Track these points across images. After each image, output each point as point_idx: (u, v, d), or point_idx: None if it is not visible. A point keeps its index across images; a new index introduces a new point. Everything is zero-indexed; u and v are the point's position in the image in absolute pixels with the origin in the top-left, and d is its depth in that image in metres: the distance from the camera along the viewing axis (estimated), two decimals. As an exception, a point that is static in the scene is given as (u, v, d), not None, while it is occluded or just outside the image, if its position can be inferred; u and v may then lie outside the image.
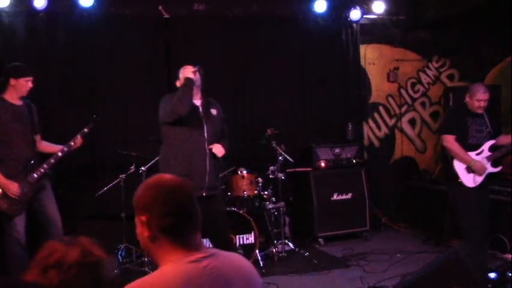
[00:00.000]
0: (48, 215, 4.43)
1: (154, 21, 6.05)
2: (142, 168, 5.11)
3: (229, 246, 4.33)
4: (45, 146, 4.61)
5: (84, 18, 5.74)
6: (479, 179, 4.56)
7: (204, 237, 4.66)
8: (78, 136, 4.49)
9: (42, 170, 4.38)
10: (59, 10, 5.69)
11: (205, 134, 4.05)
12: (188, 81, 4.00)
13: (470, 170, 4.56)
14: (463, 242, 4.45)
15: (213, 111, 4.16)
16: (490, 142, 4.61)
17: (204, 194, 3.98)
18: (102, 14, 5.79)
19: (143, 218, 1.68)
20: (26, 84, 4.36)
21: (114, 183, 5.19)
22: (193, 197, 1.74)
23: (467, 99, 4.62)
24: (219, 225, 4.18)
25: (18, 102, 4.41)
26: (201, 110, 4.10)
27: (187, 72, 4.03)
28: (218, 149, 4.12)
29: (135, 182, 5.28)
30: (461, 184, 4.56)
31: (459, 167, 4.59)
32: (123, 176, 5.15)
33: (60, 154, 4.43)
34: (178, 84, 4.17)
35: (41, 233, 4.45)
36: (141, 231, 1.71)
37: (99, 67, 5.94)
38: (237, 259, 1.81)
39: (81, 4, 5.61)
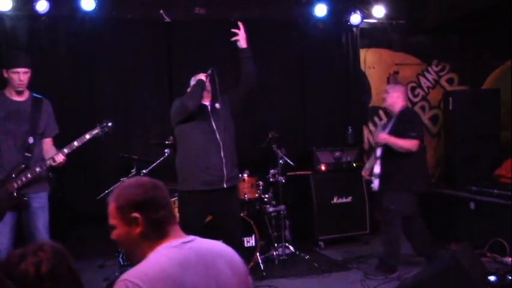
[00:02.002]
0: (36, 237, 3.81)
1: (156, 25, 6.08)
2: (144, 171, 5.13)
3: (240, 248, 4.41)
4: (49, 153, 3.93)
5: (85, 22, 5.77)
6: (374, 184, 4.92)
7: (216, 238, 4.73)
8: (75, 142, 3.85)
9: (24, 179, 3.73)
10: (60, 14, 5.72)
11: (214, 127, 4.15)
12: (200, 81, 4.14)
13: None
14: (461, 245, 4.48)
15: (217, 105, 4.25)
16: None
17: (225, 186, 4.11)
18: (103, 18, 5.83)
19: (135, 215, 1.77)
20: (14, 76, 3.76)
21: (115, 186, 5.20)
22: (168, 193, 1.89)
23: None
24: (233, 224, 4.29)
25: (20, 98, 3.86)
26: (209, 107, 4.23)
27: (201, 75, 4.18)
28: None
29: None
30: None
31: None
32: (124, 179, 5.16)
33: (48, 162, 3.80)
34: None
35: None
36: (128, 231, 1.79)
37: (100, 71, 5.97)
38: (216, 242, 1.94)
39: (83, 8, 5.64)
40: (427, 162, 5.16)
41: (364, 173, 5.32)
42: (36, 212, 3.86)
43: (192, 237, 1.85)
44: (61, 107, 5.70)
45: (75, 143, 3.85)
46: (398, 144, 4.72)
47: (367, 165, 5.33)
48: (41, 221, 3.88)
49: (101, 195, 5.26)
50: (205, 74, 4.18)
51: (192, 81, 4.31)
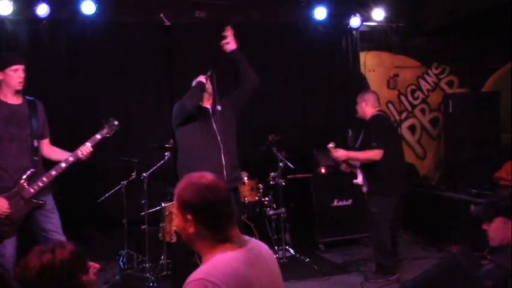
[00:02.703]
0: (51, 239, 3.70)
1: (156, 29, 6.09)
2: (144, 174, 5.14)
3: None
4: (53, 153, 3.91)
5: (86, 25, 5.79)
6: (364, 189, 4.99)
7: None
8: (88, 144, 3.80)
9: (41, 184, 3.67)
10: (61, 18, 5.75)
11: (215, 129, 4.16)
12: (199, 83, 4.17)
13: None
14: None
15: (218, 107, 4.27)
16: None
17: None
18: (104, 22, 5.84)
19: (189, 217, 1.81)
20: (14, 74, 3.66)
21: (115, 189, 5.22)
22: (230, 194, 1.92)
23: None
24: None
25: (15, 101, 3.74)
26: (210, 110, 4.25)
27: (201, 77, 4.21)
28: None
29: (137, 189, 5.37)
30: None
31: None
32: (125, 182, 5.18)
33: (63, 165, 3.73)
34: None
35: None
36: (185, 227, 1.84)
37: (101, 74, 5.98)
38: (260, 243, 2.04)
39: (83, 12, 5.65)
40: (403, 163, 5.13)
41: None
42: (49, 214, 3.80)
43: (248, 237, 1.94)
44: (61, 110, 5.74)
45: (88, 144, 3.81)
46: (360, 158, 4.83)
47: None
48: (56, 222, 3.83)
49: (102, 199, 5.28)
50: (205, 76, 4.20)
51: (194, 84, 4.34)
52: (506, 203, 2.35)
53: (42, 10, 5.49)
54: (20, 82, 3.70)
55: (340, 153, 4.81)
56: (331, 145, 4.80)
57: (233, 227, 1.87)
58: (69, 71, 5.86)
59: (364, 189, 4.98)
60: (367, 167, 4.84)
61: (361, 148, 4.89)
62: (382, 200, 4.78)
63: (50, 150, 3.92)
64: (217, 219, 1.82)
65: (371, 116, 4.92)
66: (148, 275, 4.87)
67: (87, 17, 5.71)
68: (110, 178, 5.54)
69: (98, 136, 3.86)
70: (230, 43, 4.27)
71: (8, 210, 3.56)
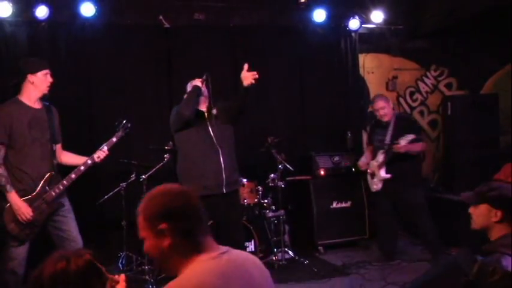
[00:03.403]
0: (67, 239, 3.88)
1: (155, 31, 6.09)
2: (143, 176, 5.14)
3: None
4: (67, 158, 4.07)
5: (85, 27, 5.78)
6: (377, 186, 5.41)
7: (220, 244, 4.75)
8: (105, 147, 3.98)
9: (61, 187, 3.82)
10: (60, 20, 5.73)
11: (212, 133, 4.20)
12: (195, 88, 4.20)
13: (372, 175, 5.48)
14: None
15: (214, 111, 4.32)
16: (382, 151, 5.34)
17: (224, 191, 4.11)
18: (103, 24, 5.83)
19: (163, 226, 1.69)
20: (45, 78, 3.83)
21: (114, 191, 5.21)
22: (200, 202, 1.80)
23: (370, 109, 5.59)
24: (235, 230, 4.33)
25: (37, 105, 3.88)
26: (206, 113, 4.30)
27: (196, 81, 4.24)
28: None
29: (136, 191, 5.37)
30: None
31: (368, 173, 5.55)
32: (124, 184, 5.18)
33: (82, 168, 3.88)
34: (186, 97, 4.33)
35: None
36: (158, 243, 1.71)
37: (100, 76, 5.97)
38: (245, 253, 1.94)
39: (82, 14, 5.65)
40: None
41: (362, 164, 5.64)
42: (66, 215, 3.94)
43: (225, 248, 1.81)
44: (60, 112, 5.70)
45: (106, 147, 4.00)
46: (417, 150, 5.27)
47: (363, 159, 5.68)
48: (72, 222, 3.96)
49: (101, 201, 5.27)
50: (200, 80, 4.21)
51: (189, 87, 4.34)
52: (494, 193, 2.63)
53: (42, 12, 5.48)
54: (48, 86, 3.86)
55: (403, 146, 5.12)
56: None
57: (207, 235, 1.77)
58: (68, 72, 5.84)
59: (379, 187, 5.37)
60: (407, 160, 5.22)
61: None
62: (420, 190, 5.36)
63: (62, 154, 4.07)
64: (191, 223, 1.72)
65: (398, 115, 5.57)
66: (147, 277, 4.87)
67: (87, 19, 5.70)
68: (109, 180, 5.53)
69: (114, 139, 4.04)
70: (244, 80, 4.26)
71: (31, 215, 3.67)
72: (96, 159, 3.93)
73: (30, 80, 3.80)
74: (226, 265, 1.71)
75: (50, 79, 3.86)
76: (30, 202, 3.72)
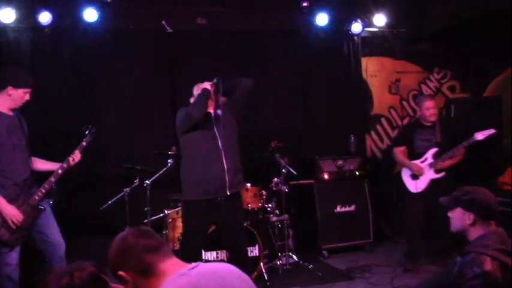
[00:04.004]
0: (51, 243, 3.95)
1: (158, 36, 6.10)
2: (147, 181, 5.14)
3: (246, 258, 4.44)
4: (39, 164, 4.07)
5: (88, 33, 5.80)
6: (422, 186, 5.21)
7: (221, 248, 4.77)
8: (77, 151, 4.09)
9: (43, 191, 3.88)
10: (63, 25, 5.75)
11: (217, 134, 4.20)
12: (205, 90, 4.20)
13: (413, 177, 5.28)
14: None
15: (219, 112, 4.31)
16: (433, 150, 5.21)
17: (228, 193, 4.15)
18: (106, 29, 5.85)
19: (122, 273, 1.82)
20: (23, 96, 3.86)
21: (118, 196, 5.21)
22: (150, 230, 1.93)
23: (418, 112, 5.40)
24: (237, 234, 4.33)
25: (10, 113, 3.89)
26: (213, 114, 4.29)
27: (205, 84, 4.24)
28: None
29: (140, 196, 5.36)
30: (407, 190, 5.33)
31: (405, 174, 5.37)
32: (128, 189, 5.18)
33: (60, 172, 3.97)
34: (192, 101, 4.33)
35: (40, 261, 4.03)
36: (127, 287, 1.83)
37: (103, 81, 5.98)
38: (221, 264, 1.98)
39: (85, 19, 5.66)
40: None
41: (419, 168, 5.27)
42: (47, 219, 3.98)
43: (194, 263, 1.86)
44: (63, 117, 5.75)
45: (78, 151, 4.12)
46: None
47: (412, 162, 5.34)
48: (54, 225, 4.02)
49: (104, 206, 5.26)
50: (210, 83, 4.21)
51: (195, 90, 4.35)
52: (467, 197, 2.78)
53: (45, 18, 5.50)
54: (23, 103, 3.90)
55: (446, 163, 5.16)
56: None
57: (168, 258, 1.86)
58: (71, 77, 5.86)
59: (421, 187, 5.20)
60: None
61: (452, 145, 5.13)
62: None
63: (34, 161, 4.06)
64: (141, 261, 1.82)
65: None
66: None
67: (89, 24, 5.72)
68: (112, 185, 5.53)
69: (84, 143, 4.17)
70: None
71: (22, 218, 3.73)
72: (71, 162, 4.04)
73: (9, 91, 3.82)
74: (197, 278, 1.75)
75: (27, 97, 3.89)
76: (17, 207, 3.76)
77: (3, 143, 3.77)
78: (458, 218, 2.80)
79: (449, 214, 2.86)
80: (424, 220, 5.29)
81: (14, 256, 3.78)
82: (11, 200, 3.73)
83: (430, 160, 5.21)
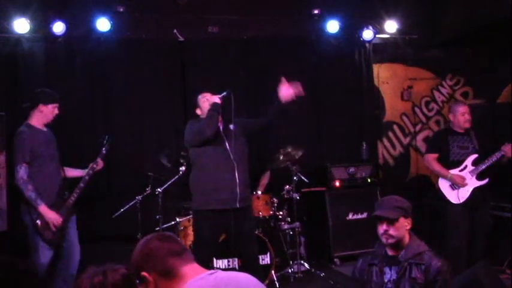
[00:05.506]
0: (71, 245, 4.45)
1: (170, 45, 6.15)
2: (159, 189, 5.17)
3: (257, 266, 4.44)
4: (68, 172, 4.60)
5: (101, 42, 5.86)
6: (464, 195, 4.93)
7: (232, 257, 4.78)
8: (99, 159, 4.56)
9: (75, 195, 4.42)
10: (77, 35, 5.82)
11: (228, 148, 4.19)
12: (215, 105, 4.18)
13: (454, 187, 4.98)
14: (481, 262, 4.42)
15: (231, 126, 4.30)
16: (473, 157, 5.00)
17: (238, 206, 4.15)
18: (118, 39, 5.91)
19: (145, 274, 1.85)
20: (53, 110, 4.40)
21: (130, 204, 5.24)
22: (174, 235, 2.02)
23: (451, 118, 5.15)
24: (249, 243, 4.32)
25: (44, 129, 4.43)
26: (221, 128, 4.29)
27: (215, 97, 4.24)
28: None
29: (152, 203, 5.39)
30: (448, 202, 5.01)
31: (443, 185, 5.07)
32: (140, 197, 5.21)
33: (87, 178, 4.49)
34: (198, 112, 4.33)
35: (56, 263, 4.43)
36: None
37: (116, 90, 6.04)
38: (236, 272, 2.07)
39: (98, 29, 5.74)
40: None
41: (459, 178, 5.01)
42: (72, 225, 4.52)
43: (213, 270, 1.94)
44: (78, 126, 5.80)
45: (99, 159, 4.61)
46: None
47: (449, 171, 5.06)
48: (76, 232, 4.54)
49: (117, 214, 5.30)
50: (219, 96, 4.20)
51: (201, 100, 4.33)
52: (405, 205, 2.97)
53: (58, 28, 5.58)
54: (54, 117, 4.43)
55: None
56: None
57: (189, 263, 1.91)
58: (85, 86, 5.92)
59: (465, 197, 4.96)
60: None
61: (487, 153, 5.01)
62: None
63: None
64: (164, 264, 1.87)
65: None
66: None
67: (102, 34, 5.79)
68: (124, 193, 5.56)
69: (104, 151, 4.62)
70: (287, 94, 4.40)
71: (62, 220, 4.27)
72: (96, 168, 4.56)
73: (40, 109, 4.36)
74: (215, 283, 1.85)
75: (56, 111, 4.42)
76: (56, 210, 4.30)
77: (42, 155, 4.30)
78: (402, 226, 2.92)
79: (388, 228, 2.89)
80: (470, 234, 4.97)
81: (47, 257, 4.27)
82: (50, 206, 4.25)
83: (470, 167, 4.97)
